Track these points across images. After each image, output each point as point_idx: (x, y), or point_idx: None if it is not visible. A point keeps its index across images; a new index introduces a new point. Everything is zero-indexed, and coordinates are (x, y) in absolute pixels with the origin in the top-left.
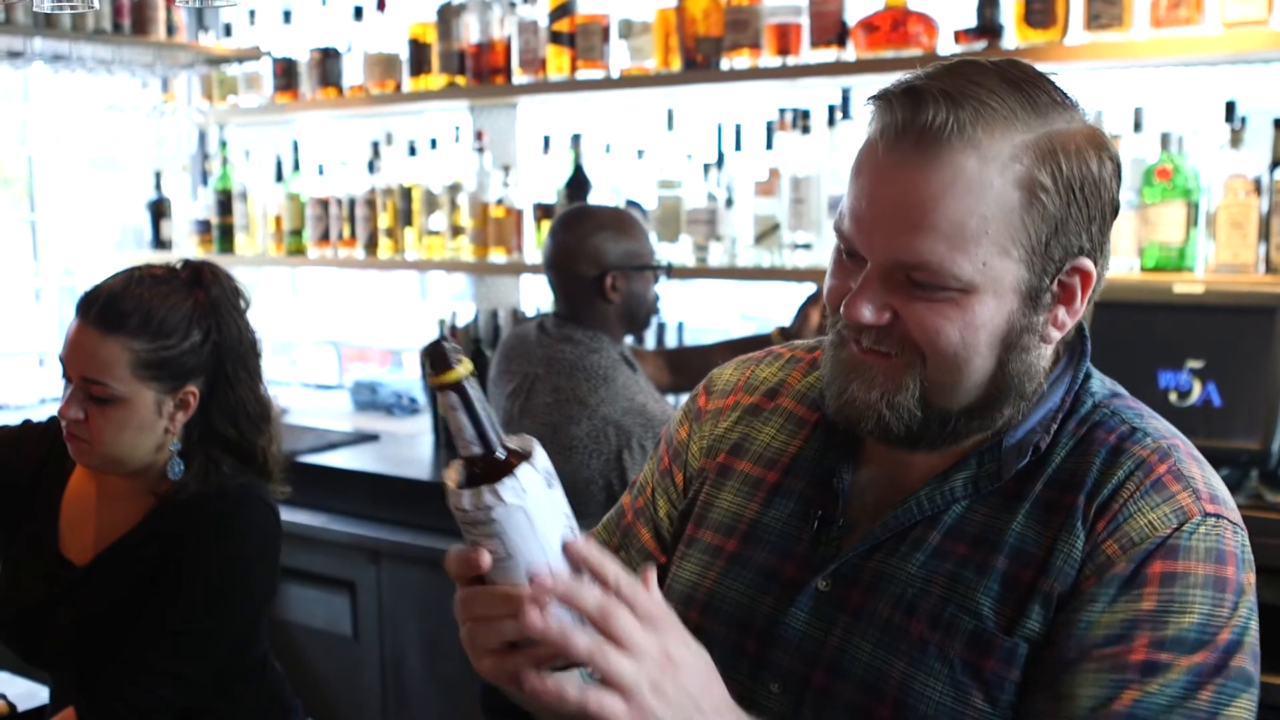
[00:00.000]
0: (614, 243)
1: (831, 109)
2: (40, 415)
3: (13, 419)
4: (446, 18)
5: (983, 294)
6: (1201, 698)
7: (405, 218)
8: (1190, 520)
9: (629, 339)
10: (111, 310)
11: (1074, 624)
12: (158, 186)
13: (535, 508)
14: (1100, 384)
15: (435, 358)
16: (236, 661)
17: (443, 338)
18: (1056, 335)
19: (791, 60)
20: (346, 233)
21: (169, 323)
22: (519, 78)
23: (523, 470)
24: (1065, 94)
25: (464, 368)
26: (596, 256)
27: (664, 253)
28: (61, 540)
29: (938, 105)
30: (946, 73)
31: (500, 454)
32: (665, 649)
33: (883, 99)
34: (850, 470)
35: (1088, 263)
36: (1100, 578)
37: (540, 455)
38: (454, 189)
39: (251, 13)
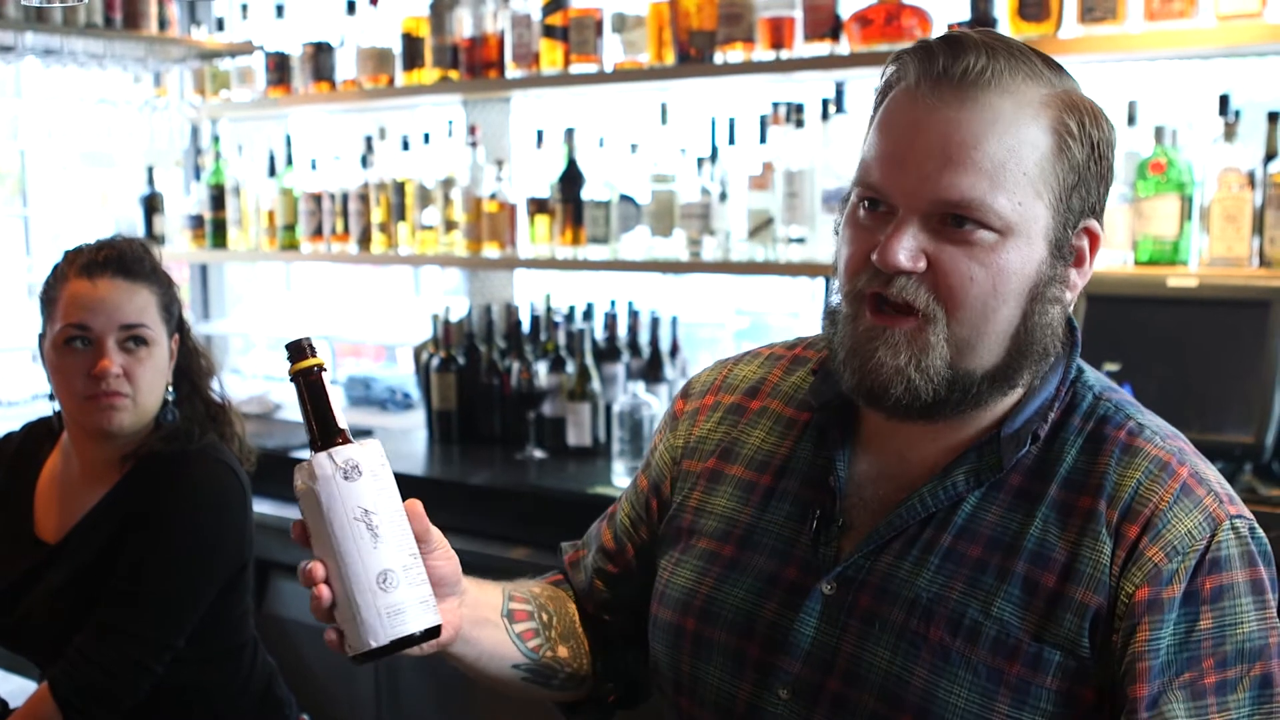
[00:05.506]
0: None
1: (825, 103)
2: (32, 412)
3: (6, 415)
4: (439, 12)
5: (1016, 237)
6: (1273, 703)
7: (398, 212)
8: (1221, 527)
9: None
10: (127, 260)
11: (1145, 655)
12: (150, 181)
13: (326, 493)
14: (1095, 377)
15: (294, 350)
16: (220, 640)
17: (304, 337)
18: (1070, 297)
19: (785, 54)
20: (340, 227)
21: (161, 272)
22: (512, 72)
23: (318, 458)
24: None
25: (315, 361)
26: None
27: (658, 247)
28: (37, 524)
29: (978, 52)
30: (979, 30)
31: (320, 441)
32: None
33: (922, 48)
34: (846, 466)
35: (1096, 225)
36: (1154, 589)
37: (346, 448)
38: (447, 183)
39: (244, 7)
